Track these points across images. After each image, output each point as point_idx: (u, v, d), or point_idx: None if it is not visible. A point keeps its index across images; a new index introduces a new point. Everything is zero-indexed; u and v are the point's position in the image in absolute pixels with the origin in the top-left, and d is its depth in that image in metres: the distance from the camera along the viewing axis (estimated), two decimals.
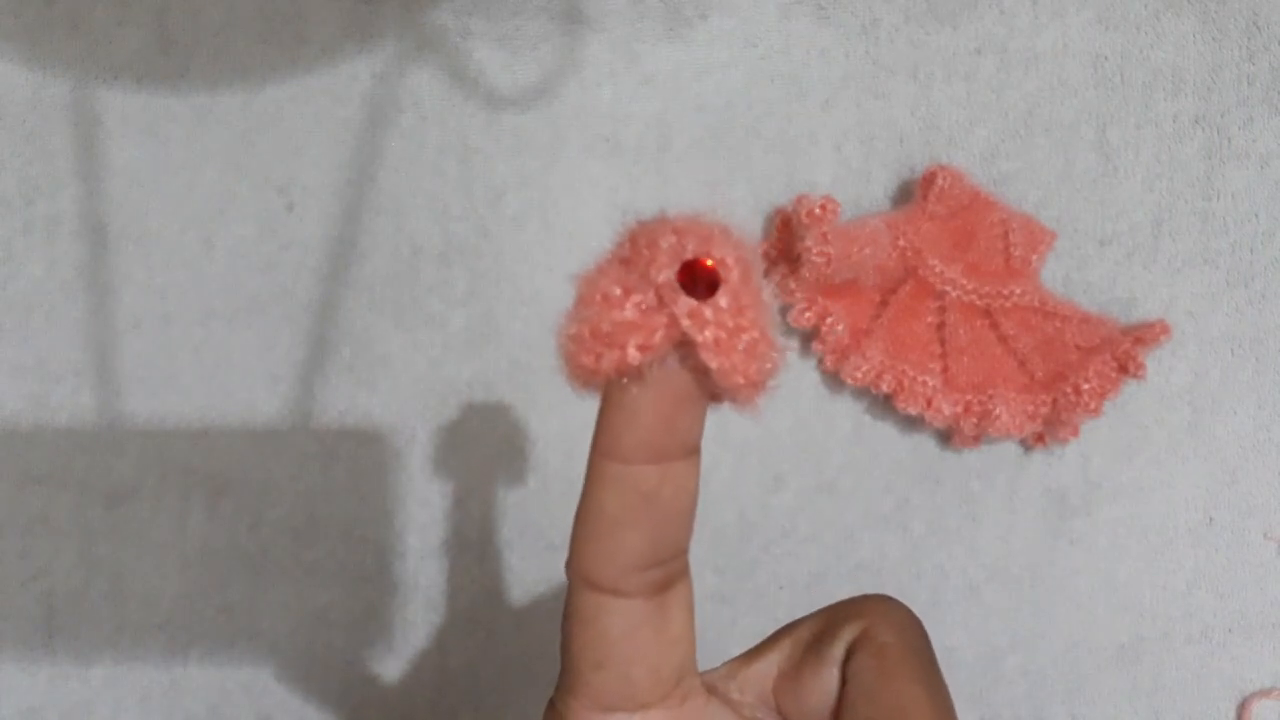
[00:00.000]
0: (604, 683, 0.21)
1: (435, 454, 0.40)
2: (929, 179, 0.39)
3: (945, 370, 0.39)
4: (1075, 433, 0.39)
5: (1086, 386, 0.37)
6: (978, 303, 0.38)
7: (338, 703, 0.40)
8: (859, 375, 0.38)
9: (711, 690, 0.23)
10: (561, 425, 0.40)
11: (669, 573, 0.21)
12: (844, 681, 0.22)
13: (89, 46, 0.39)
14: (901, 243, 0.38)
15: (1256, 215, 0.40)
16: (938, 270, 0.38)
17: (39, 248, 0.39)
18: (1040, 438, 0.39)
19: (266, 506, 0.40)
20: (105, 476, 0.40)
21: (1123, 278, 0.40)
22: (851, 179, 0.40)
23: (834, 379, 0.40)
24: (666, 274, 0.18)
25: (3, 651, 0.40)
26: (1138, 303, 0.40)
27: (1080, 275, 0.40)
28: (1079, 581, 0.40)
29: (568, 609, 0.21)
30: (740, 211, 0.40)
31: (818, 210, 0.37)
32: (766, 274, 0.39)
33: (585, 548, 0.20)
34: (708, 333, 0.18)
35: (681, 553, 0.21)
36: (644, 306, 0.18)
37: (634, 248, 0.18)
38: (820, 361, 0.39)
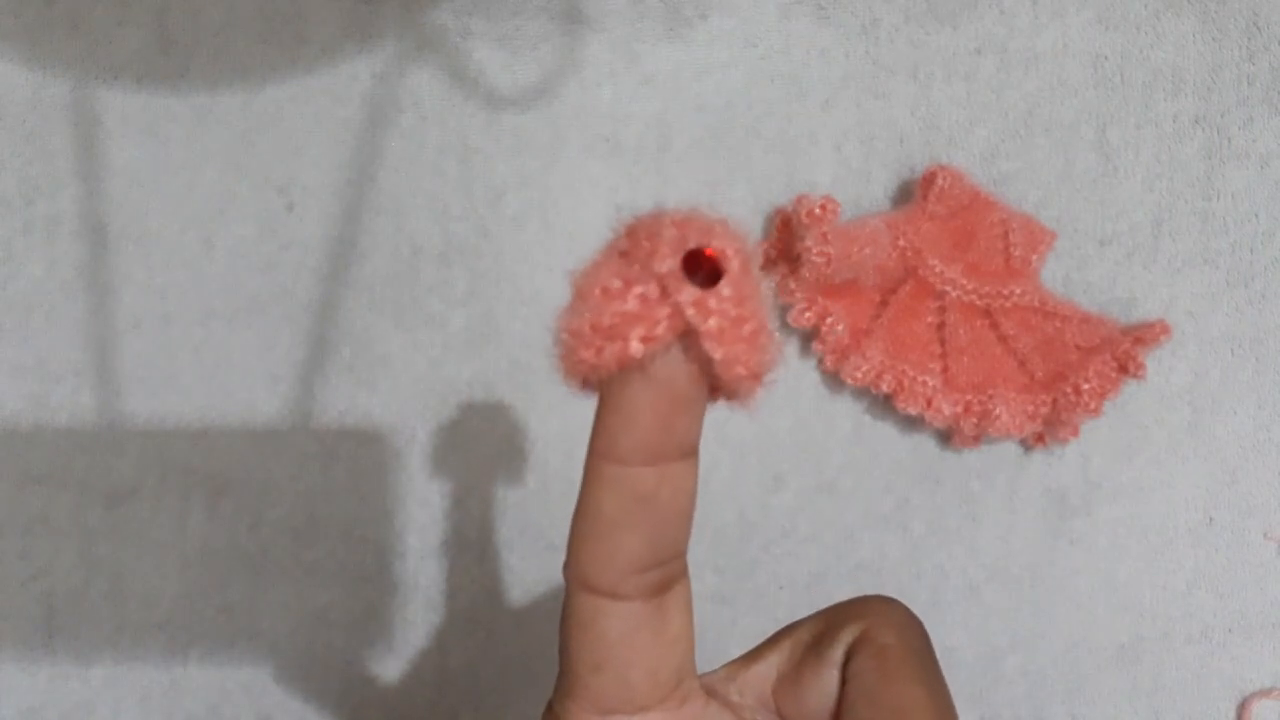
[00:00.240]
0: (602, 685, 0.21)
1: (435, 454, 0.40)
2: (929, 179, 0.39)
3: (945, 370, 0.39)
4: (1075, 433, 0.39)
5: (1086, 386, 0.37)
6: (978, 303, 0.38)
7: (338, 703, 0.40)
8: (859, 375, 0.38)
9: (711, 692, 0.23)
10: (561, 425, 0.40)
11: (667, 575, 0.21)
12: (844, 683, 0.22)
13: (89, 46, 0.39)
14: (901, 243, 0.38)
15: (1256, 215, 0.40)
16: (938, 270, 0.38)
17: (39, 248, 0.39)
18: (1040, 438, 0.39)
19: (266, 506, 0.40)
20: (105, 476, 0.40)
21: (1123, 278, 0.40)
22: (851, 179, 0.40)
23: (834, 379, 0.40)
24: (670, 263, 0.18)
25: (3, 651, 0.40)
26: (1138, 303, 0.40)
27: (1080, 275, 0.40)
28: (1079, 581, 0.40)
29: (565, 611, 0.21)
30: (740, 211, 0.40)
31: (818, 210, 0.37)
32: (766, 274, 0.39)
33: (582, 550, 0.20)
34: (712, 322, 0.18)
35: (680, 555, 0.21)
36: (646, 298, 0.18)
37: (633, 240, 0.18)
38: (820, 361, 0.39)
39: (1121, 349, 0.38)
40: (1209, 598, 0.40)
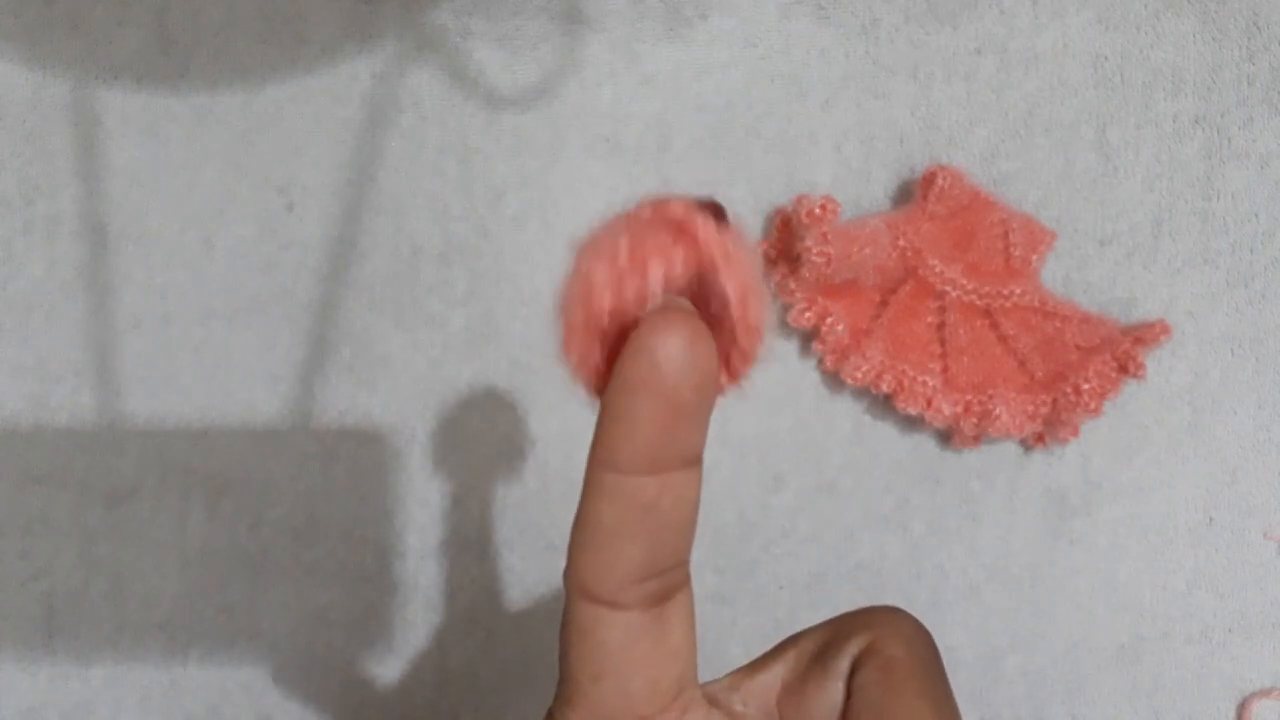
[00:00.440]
0: (602, 695, 0.21)
1: (435, 454, 0.40)
2: (929, 179, 0.39)
3: (945, 370, 0.39)
4: (1075, 433, 0.39)
5: (1086, 386, 0.37)
6: (978, 303, 0.38)
7: (338, 703, 0.40)
8: (859, 375, 0.38)
9: (713, 702, 0.23)
10: (561, 425, 0.40)
11: (668, 584, 0.21)
12: (849, 695, 0.22)
13: (89, 46, 0.39)
14: (901, 243, 0.38)
15: (1256, 215, 0.40)
16: (938, 270, 0.38)
17: (39, 248, 0.39)
18: (1040, 438, 0.39)
19: (266, 506, 0.40)
20: (105, 476, 0.40)
21: (1123, 278, 0.40)
22: (851, 179, 0.40)
23: (834, 379, 0.40)
24: (685, 207, 0.18)
25: (3, 651, 0.40)
26: (1138, 303, 0.40)
27: (1080, 275, 0.40)
28: (1079, 581, 0.40)
29: (565, 619, 0.21)
30: (740, 211, 0.40)
31: (818, 210, 0.37)
32: (766, 274, 0.39)
33: (582, 559, 0.20)
34: (729, 248, 0.18)
35: (681, 564, 0.21)
36: (662, 239, 0.18)
37: (639, 208, 0.19)
38: (820, 361, 0.39)
39: (1121, 349, 0.38)
40: (1209, 598, 0.40)
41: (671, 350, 0.18)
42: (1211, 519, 0.40)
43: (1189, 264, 0.40)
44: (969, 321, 0.38)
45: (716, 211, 0.18)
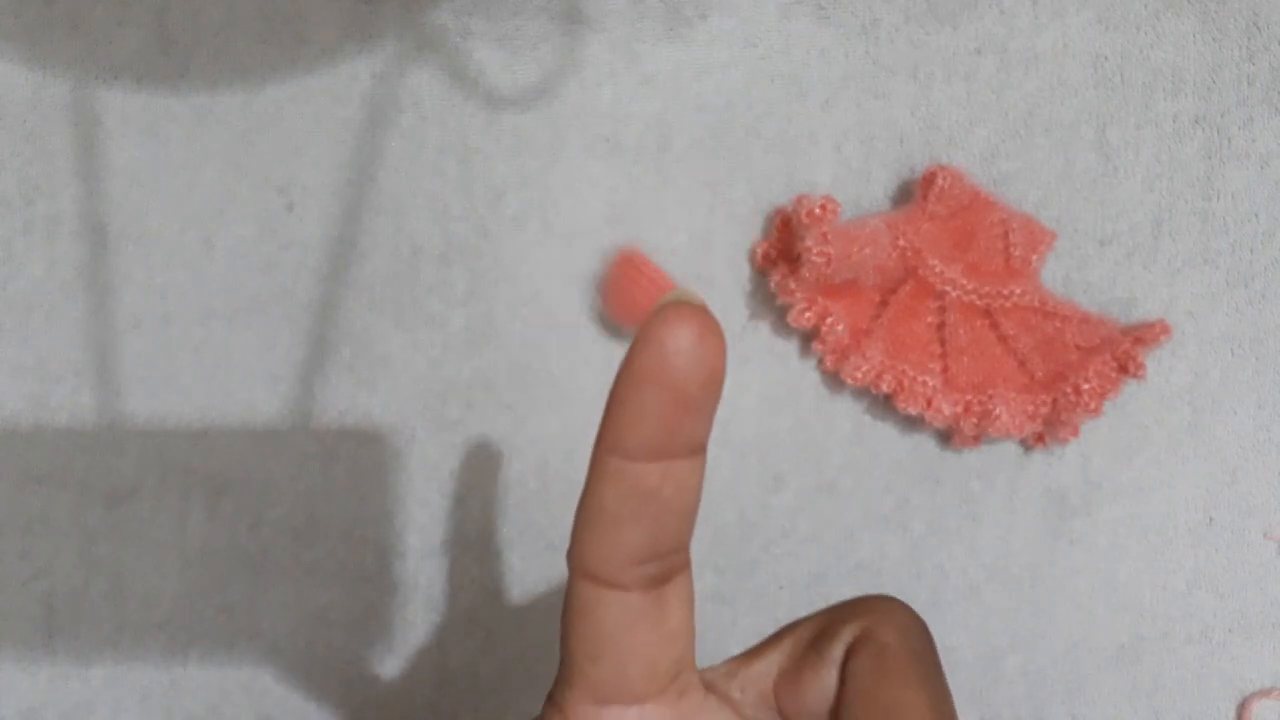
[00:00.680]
0: (600, 675, 0.21)
1: (435, 454, 0.40)
2: (929, 179, 0.39)
3: (945, 370, 0.39)
4: (1075, 433, 0.39)
5: (1086, 386, 0.37)
6: (978, 303, 0.38)
7: (338, 703, 0.40)
8: (859, 375, 0.38)
9: (710, 688, 0.23)
10: (561, 425, 0.40)
11: (668, 567, 0.21)
12: (842, 682, 0.22)
13: (89, 46, 0.39)
14: (901, 243, 0.38)
15: (1256, 215, 0.40)
16: (938, 270, 0.38)
17: (39, 248, 0.39)
18: (1040, 438, 0.39)
19: (266, 506, 0.40)
20: (105, 476, 0.40)
21: (1123, 278, 0.40)
22: (851, 179, 0.40)
23: (834, 379, 0.40)
24: None
25: (3, 651, 0.40)
26: (1138, 303, 0.40)
27: (1080, 275, 0.40)
28: (1079, 581, 0.40)
29: (567, 599, 0.21)
30: (740, 211, 0.40)
31: (818, 210, 0.37)
32: (766, 274, 0.39)
33: (585, 540, 0.20)
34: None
35: (681, 548, 0.21)
36: None
37: None
38: (820, 361, 0.39)
39: (1121, 349, 0.38)
40: (1209, 598, 0.40)
41: (681, 344, 0.18)
42: (1211, 519, 0.40)
43: (1189, 264, 0.40)
44: (969, 321, 0.38)
45: None
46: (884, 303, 0.39)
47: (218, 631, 0.40)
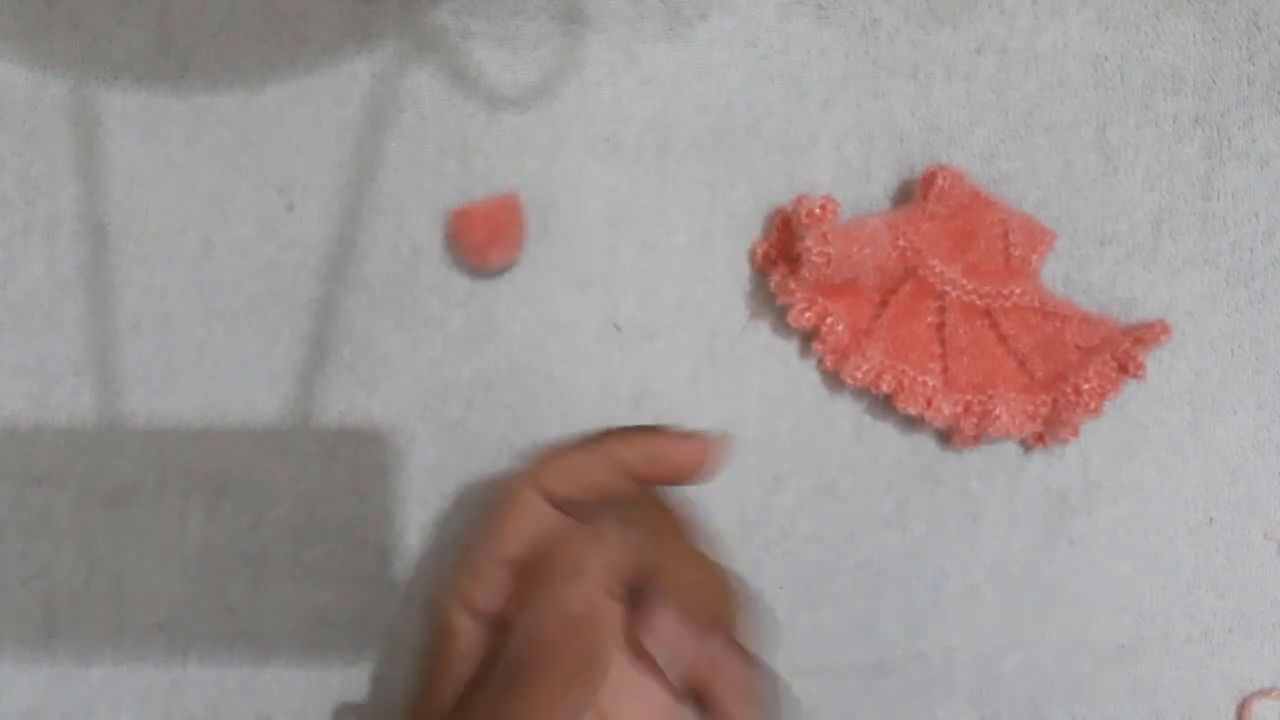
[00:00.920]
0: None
1: (435, 454, 0.40)
2: (929, 179, 0.39)
3: (945, 370, 0.39)
4: (1075, 433, 0.39)
5: (1086, 386, 0.37)
6: (978, 303, 0.38)
7: (338, 703, 0.40)
8: (859, 375, 0.38)
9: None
10: (561, 425, 0.40)
11: None
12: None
13: (89, 46, 0.39)
14: (901, 243, 0.38)
15: (1256, 215, 0.40)
16: (938, 270, 0.38)
17: (39, 248, 0.39)
18: (1040, 438, 0.39)
19: (266, 506, 0.40)
20: (105, 476, 0.40)
21: (1123, 278, 0.40)
22: (851, 179, 0.40)
23: (834, 379, 0.40)
24: None
25: (3, 651, 0.40)
26: (1138, 303, 0.40)
27: (1080, 275, 0.40)
28: (1079, 581, 0.40)
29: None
30: (740, 211, 0.40)
31: (818, 210, 0.37)
32: (766, 274, 0.39)
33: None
34: None
35: None
36: None
37: None
38: (820, 361, 0.39)
39: (1121, 349, 0.38)
40: (1209, 598, 0.40)
41: None
42: (1211, 519, 0.40)
43: (1189, 264, 0.40)
44: (969, 321, 0.38)
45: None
46: (884, 303, 0.39)
47: (218, 631, 0.40)
